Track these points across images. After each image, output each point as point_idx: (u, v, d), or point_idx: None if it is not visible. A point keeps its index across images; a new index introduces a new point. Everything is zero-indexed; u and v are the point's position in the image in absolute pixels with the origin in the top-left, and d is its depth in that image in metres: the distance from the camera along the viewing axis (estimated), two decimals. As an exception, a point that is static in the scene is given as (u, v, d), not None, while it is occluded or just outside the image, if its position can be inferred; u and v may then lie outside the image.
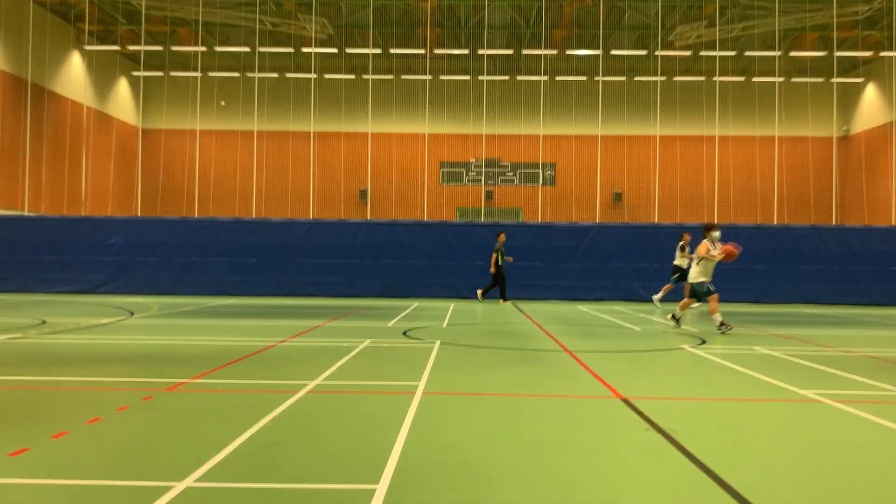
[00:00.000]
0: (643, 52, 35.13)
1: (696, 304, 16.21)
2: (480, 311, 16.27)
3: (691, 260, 13.74)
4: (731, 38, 33.48)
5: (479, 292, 19.41)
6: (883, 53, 35.30)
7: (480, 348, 9.62)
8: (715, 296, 11.93)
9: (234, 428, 4.81)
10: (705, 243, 11.94)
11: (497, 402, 6.05)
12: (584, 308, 17.61)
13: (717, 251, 11.84)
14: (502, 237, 19.09)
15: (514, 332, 11.86)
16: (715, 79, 35.04)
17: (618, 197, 38.52)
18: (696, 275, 12.14)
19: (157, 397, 5.96)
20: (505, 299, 19.05)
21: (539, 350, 9.43)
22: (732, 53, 34.93)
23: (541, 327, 12.44)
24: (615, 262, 20.42)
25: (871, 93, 39.23)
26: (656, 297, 17.79)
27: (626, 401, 5.97)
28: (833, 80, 37.24)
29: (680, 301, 13.49)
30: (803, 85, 39.16)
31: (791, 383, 6.88)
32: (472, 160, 38.24)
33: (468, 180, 38.47)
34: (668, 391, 6.60)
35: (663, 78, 36.92)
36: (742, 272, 20.01)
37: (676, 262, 17.28)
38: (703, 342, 10.36)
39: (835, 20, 30.43)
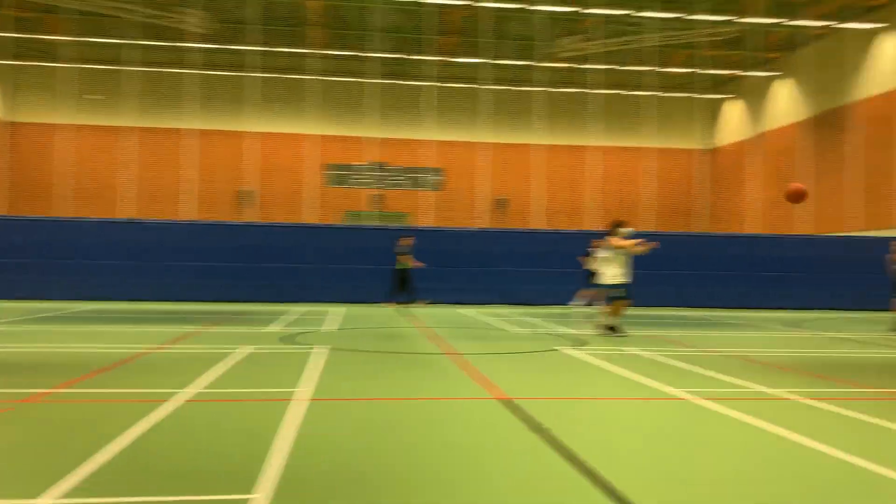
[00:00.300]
0: (526, 63, 36.11)
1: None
2: (368, 315, 16.20)
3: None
4: (608, 51, 34.92)
5: (397, 301, 19.35)
6: (743, 72, 37.87)
7: (367, 353, 9.59)
8: (627, 301, 11.43)
9: (101, 439, 4.56)
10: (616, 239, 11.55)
11: (383, 406, 6.05)
12: (468, 312, 17.87)
13: (638, 245, 11.40)
14: (407, 240, 19.22)
15: (401, 335, 11.89)
16: (593, 90, 36.49)
17: (502, 203, 39.37)
18: (612, 276, 11.47)
19: (18, 409, 5.59)
20: (394, 303, 19.16)
21: (425, 353, 9.50)
22: (610, 67, 36.49)
23: (427, 331, 12.54)
24: (499, 266, 20.86)
25: (735, 109, 41.96)
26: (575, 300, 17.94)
27: (507, 401, 6.11)
28: (701, 95, 39.61)
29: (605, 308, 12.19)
30: (674, 99, 41.40)
31: (661, 382, 7.25)
32: (361, 163, 38.05)
33: (356, 183, 38.25)
34: (547, 391, 6.81)
35: (546, 88, 38.09)
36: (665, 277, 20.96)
37: (589, 267, 17.32)
38: (581, 344, 10.75)
39: (702, 40, 32.37)
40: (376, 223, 33.18)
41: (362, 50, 34.70)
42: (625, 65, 36.71)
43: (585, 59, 35.22)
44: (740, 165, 40.21)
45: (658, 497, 3.73)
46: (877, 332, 13.94)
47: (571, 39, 33.14)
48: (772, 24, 31.52)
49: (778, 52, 36.00)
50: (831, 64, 32.38)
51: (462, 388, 6.96)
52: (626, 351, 9.97)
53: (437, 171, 38.87)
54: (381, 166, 38.16)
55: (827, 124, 33.08)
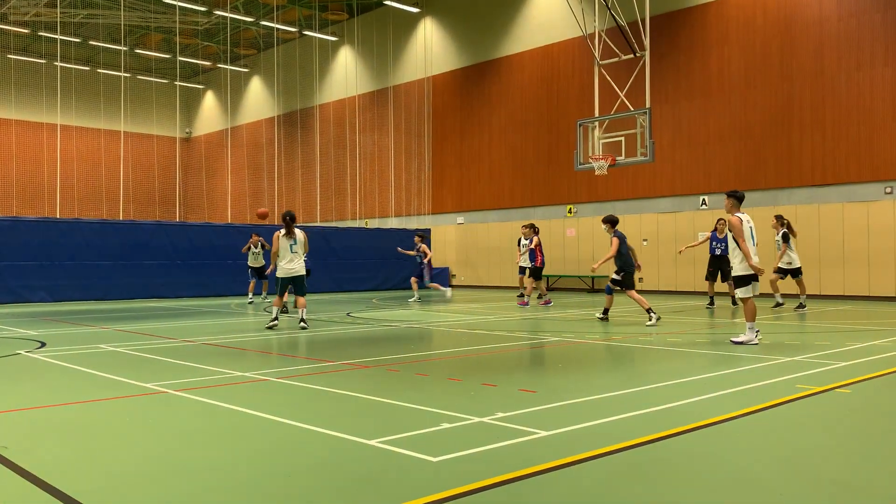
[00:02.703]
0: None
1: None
2: None
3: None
4: (74, 23, 31.99)
5: None
6: (220, 65, 38.69)
7: None
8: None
9: None
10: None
11: None
12: None
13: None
14: None
15: None
16: (57, 63, 33.00)
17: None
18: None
19: None
20: None
21: None
22: (77, 40, 33.45)
23: None
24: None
25: (210, 99, 42.58)
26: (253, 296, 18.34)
27: (-57, 423, 5.05)
28: (176, 82, 39.12)
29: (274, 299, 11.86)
30: (149, 83, 40.08)
31: (136, 378, 6.88)
32: None
33: None
34: (2, 404, 5.85)
35: (3, 54, 33.11)
36: (88, 269, 19.35)
37: (250, 263, 18.03)
38: (43, 345, 9.59)
39: (177, 26, 31.97)
40: None
41: None
42: (97, 40, 34.08)
43: (47, 27, 31.62)
44: (216, 156, 41.07)
45: (143, 499, 3.49)
46: (339, 311, 15.66)
47: (29, 2, 29.35)
48: (245, 21, 32.81)
49: (252, 49, 37.72)
50: (299, 67, 35.26)
51: None
52: (98, 348, 9.25)
53: None
54: None
55: (296, 123, 35.95)
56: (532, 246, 17.08)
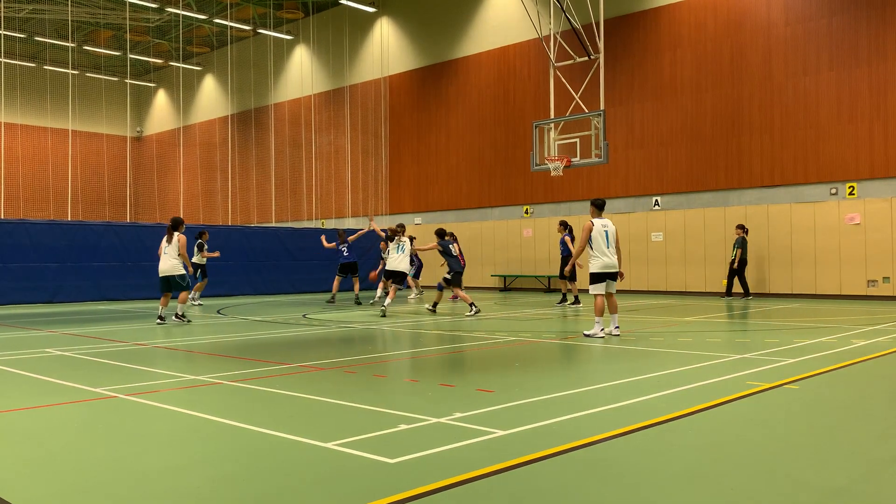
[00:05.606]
0: None
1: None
2: None
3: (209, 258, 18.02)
4: (19, 18, 31.11)
5: None
6: (172, 63, 38.01)
7: None
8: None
9: None
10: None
11: None
12: None
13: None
14: None
15: None
16: (0, 59, 32.02)
17: None
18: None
19: None
20: None
21: None
22: (22, 35, 32.54)
23: None
24: None
25: (161, 98, 41.82)
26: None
27: None
28: (127, 80, 38.32)
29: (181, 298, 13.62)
30: (98, 81, 39.17)
31: (85, 383, 6.71)
32: None
33: None
34: (-59, 411, 5.65)
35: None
36: (34, 271, 18.84)
37: (195, 259, 17.82)
38: (-12, 349, 9.29)
39: (128, 22, 31.32)
40: None
41: None
42: (44, 36, 33.17)
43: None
44: (168, 155, 40.35)
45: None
46: (296, 311, 15.52)
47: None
48: (198, 18, 32.28)
49: (205, 47, 37.14)
50: (253, 66, 34.82)
51: None
52: (45, 352, 9.00)
53: None
54: None
55: (250, 122, 35.49)
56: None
